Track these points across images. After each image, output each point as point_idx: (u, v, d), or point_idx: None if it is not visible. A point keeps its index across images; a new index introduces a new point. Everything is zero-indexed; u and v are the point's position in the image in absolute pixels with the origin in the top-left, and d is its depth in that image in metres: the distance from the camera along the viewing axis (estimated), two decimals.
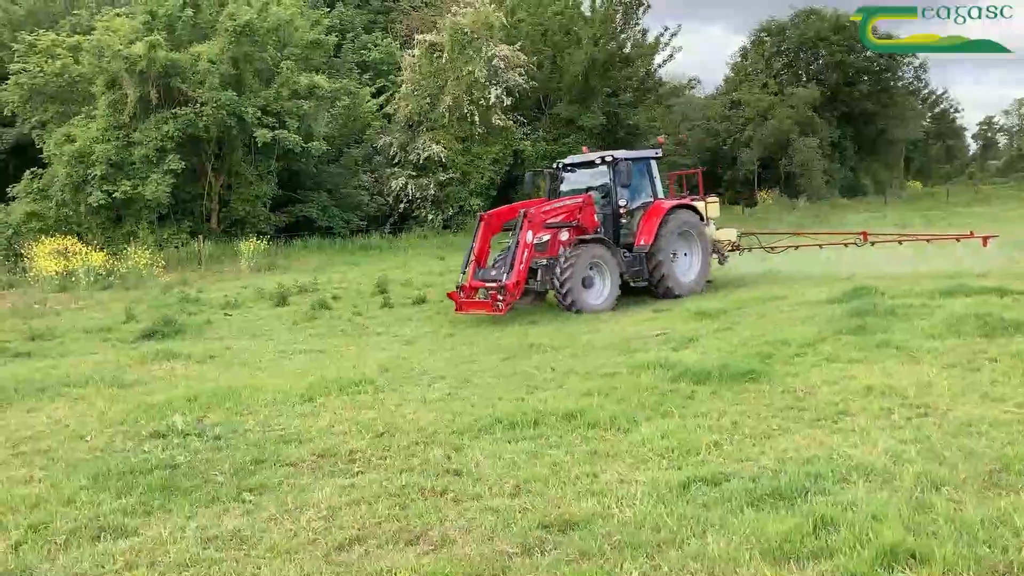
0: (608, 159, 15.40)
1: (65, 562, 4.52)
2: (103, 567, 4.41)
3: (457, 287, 14.70)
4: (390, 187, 34.23)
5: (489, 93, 33.94)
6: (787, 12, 58.37)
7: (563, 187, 16.31)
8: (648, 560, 4.12)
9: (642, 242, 15.15)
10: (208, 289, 21.01)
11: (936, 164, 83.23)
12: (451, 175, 34.58)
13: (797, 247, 18.12)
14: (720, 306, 12.79)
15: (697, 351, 9.61)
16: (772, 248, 18.03)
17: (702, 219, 16.29)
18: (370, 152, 35.30)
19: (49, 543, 4.79)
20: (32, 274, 22.58)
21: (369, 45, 39.94)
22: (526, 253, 14.09)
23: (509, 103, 34.77)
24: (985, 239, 15.80)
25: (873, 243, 17.27)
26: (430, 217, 34.54)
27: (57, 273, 22.08)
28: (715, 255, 16.93)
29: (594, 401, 7.37)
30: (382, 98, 35.98)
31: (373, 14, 44.14)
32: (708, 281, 16.28)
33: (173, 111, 26.76)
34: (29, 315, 17.38)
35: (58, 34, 29.69)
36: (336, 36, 35.32)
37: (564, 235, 14.73)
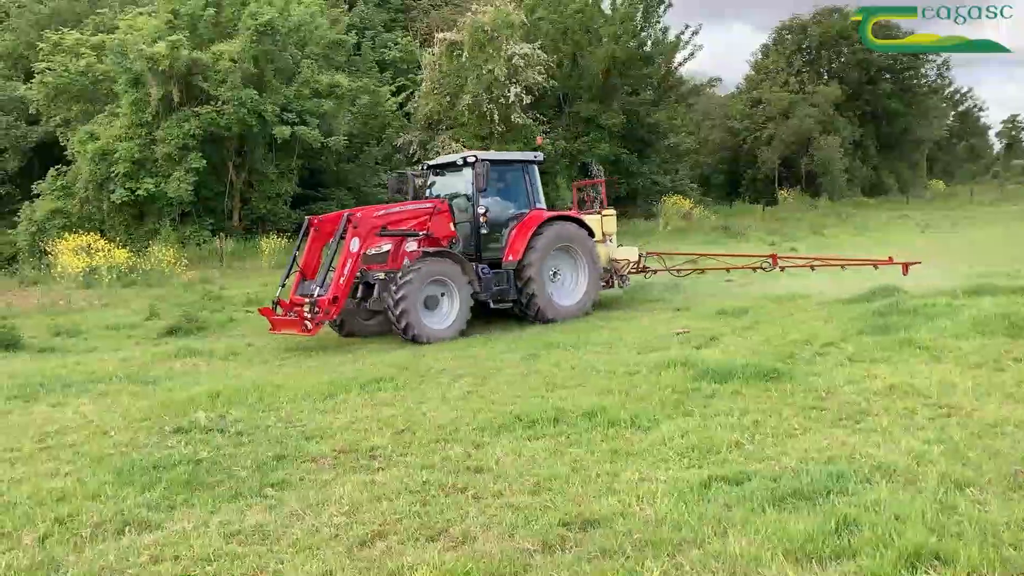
0: (470, 160, 13.53)
1: (91, 555, 4.56)
2: (128, 560, 4.45)
3: (273, 302, 12.61)
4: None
5: (509, 91, 33.89)
6: (809, 10, 58.02)
7: (433, 192, 14.53)
8: (669, 559, 4.11)
9: (510, 258, 13.35)
10: (230, 286, 21.16)
11: (960, 163, 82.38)
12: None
13: (703, 271, 16.44)
14: (742, 305, 12.73)
15: (719, 350, 9.59)
16: (678, 271, 16.27)
17: (590, 234, 14.40)
18: (390, 151, 35.39)
19: (75, 536, 4.84)
20: (56, 271, 22.82)
21: (389, 44, 40.05)
22: (349, 264, 12.08)
23: (528, 101, 34.71)
24: (906, 266, 13.89)
25: (783, 268, 15.53)
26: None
27: (81, 270, 22.30)
28: (616, 277, 15.26)
29: (614, 399, 7.37)
30: (401, 96, 36.06)
31: (393, 13, 44.25)
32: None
33: (195, 109, 26.94)
34: (54, 311, 17.58)
35: (82, 33, 29.98)
36: (356, 35, 35.44)
37: (411, 245, 12.95)
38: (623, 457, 5.80)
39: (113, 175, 26.69)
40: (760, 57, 59.24)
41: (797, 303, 12.99)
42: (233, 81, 26.66)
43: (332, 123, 29.80)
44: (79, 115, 29.04)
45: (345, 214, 12.68)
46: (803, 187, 50.82)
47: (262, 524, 4.89)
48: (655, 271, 16.02)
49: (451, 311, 12.69)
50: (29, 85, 30.14)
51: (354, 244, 12.18)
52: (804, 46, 56.83)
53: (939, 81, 63.68)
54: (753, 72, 59.18)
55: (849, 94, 53.92)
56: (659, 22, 40.94)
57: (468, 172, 13.53)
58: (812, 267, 15.39)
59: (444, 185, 14.41)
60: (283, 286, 12.99)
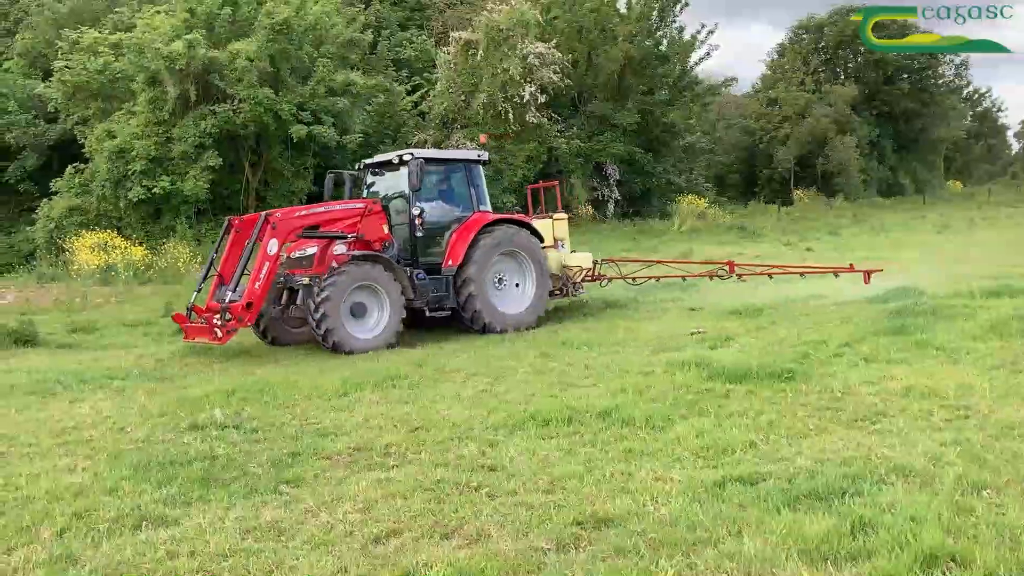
0: (406, 157, 12.72)
1: (108, 550, 4.60)
2: (145, 555, 4.48)
3: (188, 308, 11.76)
4: None
5: (523, 91, 33.91)
6: (826, 9, 57.75)
7: (373, 192, 13.70)
8: (684, 558, 4.10)
9: (449, 262, 12.62)
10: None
11: (977, 163, 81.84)
12: (485, 173, 34.58)
13: (659, 279, 15.68)
14: (757, 305, 12.67)
15: (733, 350, 9.56)
16: (633, 279, 15.53)
17: (540, 239, 13.60)
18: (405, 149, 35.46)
19: (93, 531, 4.87)
20: (74, 268, 22.98)
21: (404, 42, 40.10)
22: (266, 268, 11.39)
23: (543, 100, 34.71)
24: (867, 273, 13.44)
25: (740, 276, 14.86)
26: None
27: (98, 267, 22.45)
28: (569, 284, 14.36)
29: (628, 399, 7.36)
30: (417, 95, 36.10)
31: (408, 11, 44.29)
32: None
33: (212, 108, 27.05)
34: (71, 308, 17.71)
35: (100, 32, 30.13)
36: (372, 33, 35.49)
37: (340, 248, 12.19)
38: (637, 457, 5.80)
39: (130, 173, 26.83)
40: (776, 57, 59.07)
41: (813, 304, 12.92)
42: (249, 80, 26.76)
43: (347, 122, 29.86)
44: (97, 113, 29.21)
45: (263, 214, 11.93)
46: (819, 187, 50.61)
47: (277, 521, 4.91)
48: (610, 279, 15.28)
49: (381, 320, 11.91)
50: (48, 83, 30.34)
51: (272, 246, 11.47)
52: (820, 45, 56.62)
53: (957, 81, 63.32)
54: (769, 71, 59.01)
55: (866, 94, 53.69)
56: (675, 21, 40.87)
57: (406, 171, 12.66)
58: (770, 275, 14.74)
59: (384, 185, 13.62)
60: (199, 290, 12.17)
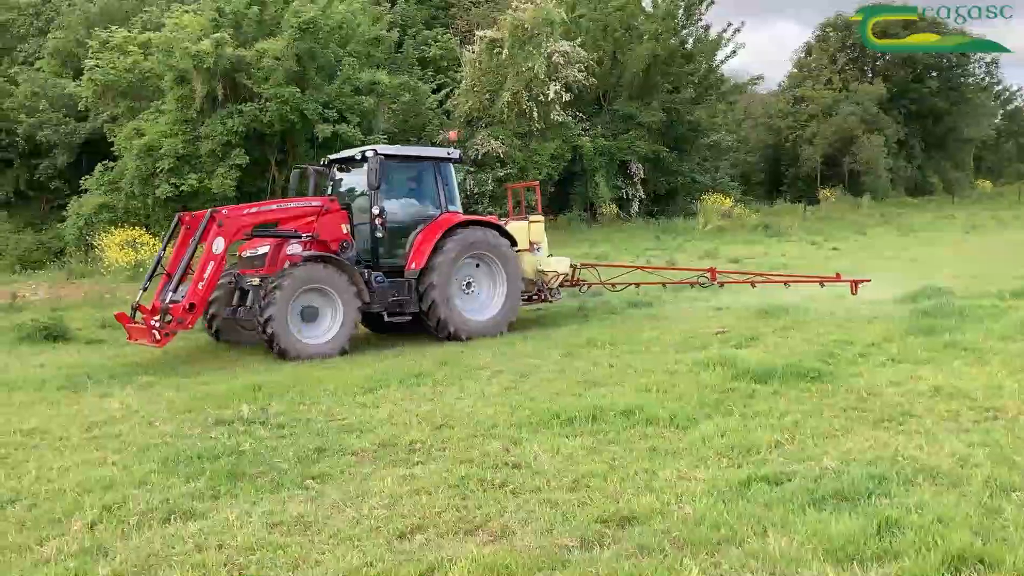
0: (368, 153, 12.12)
1: (138, 542, 4.66)
2: (174, 548, 4.54)
3: (133, 307, 11.35)
4: None
5: (548, 89, 33.90)
6: (854, 7, 57.15)
7: (339, 189, 13.08)
8: (708, 557, 4.10)
9: (413, 265, 12.00)
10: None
11: (1008, 162, 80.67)
12: (509, 171, 34.65)
13: (639, 284, 15.19)
14: (783, 304, 12.59)
15: (759, 349, 9.52)
16: (612, 285, 14.91)
17: (512, 242, 12.93)
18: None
19: (123, 523, 4.95)
20: (103, 264, 23.25)
21: (429, 41, 40.21)
22: (211, 267, 10.90)
23: (568, 99, 34.68)
24: (855, 284, 12.95)
25: (721, 284, 14.41)
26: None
27: (127, 263, 22.70)
28: (546, 290, 13.71)
29: (653, 398, 7.36)
30: (441, 94, 36.18)
31: (434, 10, 44.39)
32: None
33: (239, 106, 27.26)
34: (100, 304, 17.92)
35: (130, 31, 30.46)
36: (397, 32, 35.61)
37: (295, 248, 11.70)
38: (661, 455, 5.80)
39: (158, 171, 27.10)
40: (803, 55, 58.56)
41: (839, 303, 12.82)
42: (276, 79, 26.94)
43: (372, 121, 29.98)
44: (126, 111, 29.53)
45: (209, 210, 11.46)
46: (845, 186, 50.10)
47: (303, 515, 4.96)
48: (589, 284, 14.71)
49: (333, 324, 11.35)
50: (78, 82, 30.72)
51: (218, 245, 10.97)
52: (848, 43, 56.03)
53: (987, 79, 62.46)
54: (796, 70, 58.52)
55: (894, 92, 53.05)
56: (701, 19, 40.70)
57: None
58: (752, 284, 14.30)
59: (349, 182, 13.06)
60: (145, 289, 11.65)
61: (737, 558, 4.07)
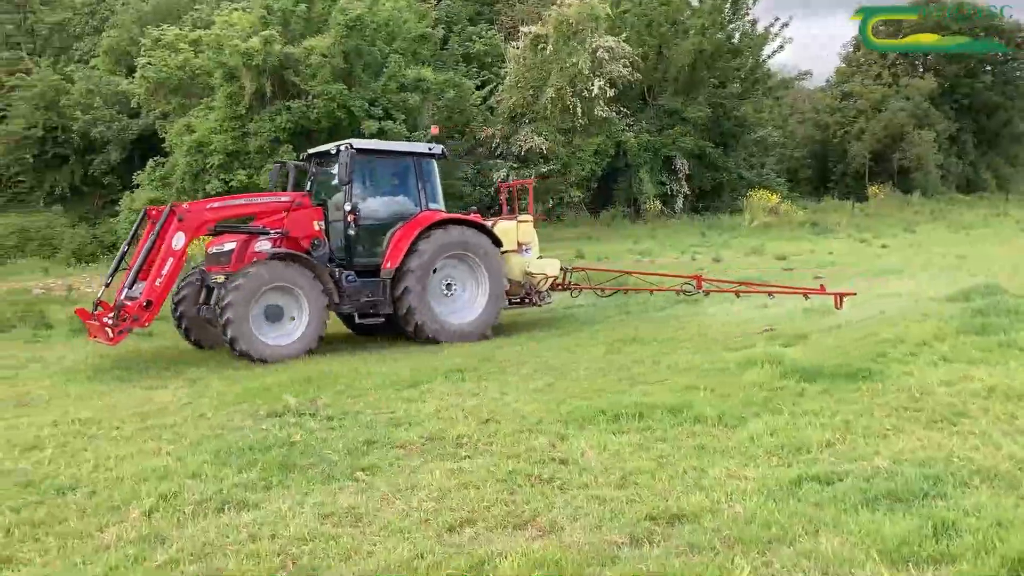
0: (343, 147, 11.68)
1: (193, 531, 4.76)
2: (228, 537, 4.63)
3: (95, 303, 11.11)
4: (491, 178, 34.51)
5: (592, 85, 33.81)
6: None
7: (318, 184, 12.64)
8: (759, 556, 4.07)
9: (388, 264, 11.57)
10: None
11: None
12: (552, 167, 34.62)
13: (627, 291, 14.62)
14: (830, 303, 12.42)
15: (807, 348, 9.40)
16: (603, 290, 14.26)
17: (495, 242, 12.50)
18: (473, 144, 35.67)
19: (178, 512, 5.05)
20: None
21: (474, 37, 40.33)
22: (170, 264, 10.53)
23: (612, 94, 34.56)
24: (839, 297, 12.12)
25: (707, 292, 13.83)
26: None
27: None
28: (535, 293, 13.18)
29: (700, 396, 7.30)
30: (486, 90, 36.27)
31: (479, 5, 44.50)
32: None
33: (287, 103, 27.63)
34: None
35: (181, 29, 31.03)
36: (443, 28, 35.76)
37: (264, 245, 11.30)
38: (710, 454, 5.76)
39: (208, 166, 27.58)
40: (851, 49, 57.60)
41: (890, 302, 12.61)
42: (323, 76, 27.24)
43: (417, 118, 30.17)
44: (177, 108, 30.09)
45: (169, 204, 11.12)
46: (895, 183, 49.23)
47: (354, 506, 5.02)
48: (581, 288, 14.08)
49: (299, 325, 10.99)
50: (131, 80, 31.37)
51: (178, 240, 10.59)
52: (899, 37, 55.00)
53: None
54: (844, 64, 57.59)
55: (945, 87, 51.99)
56: (748, 14, 40.27)
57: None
58: (737, 294, 13.72)
59: (327, 178, 12.53)
60: (107, 285, 11.28)
61: (789, 557, 4.03)
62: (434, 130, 13.98)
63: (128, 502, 5.26)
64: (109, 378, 9.79)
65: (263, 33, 26.75)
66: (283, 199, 11.85)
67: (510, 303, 13.07)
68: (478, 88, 35.89)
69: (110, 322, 10.30)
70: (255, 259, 11.03)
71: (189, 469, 5.87)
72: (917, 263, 19.26)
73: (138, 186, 29.89)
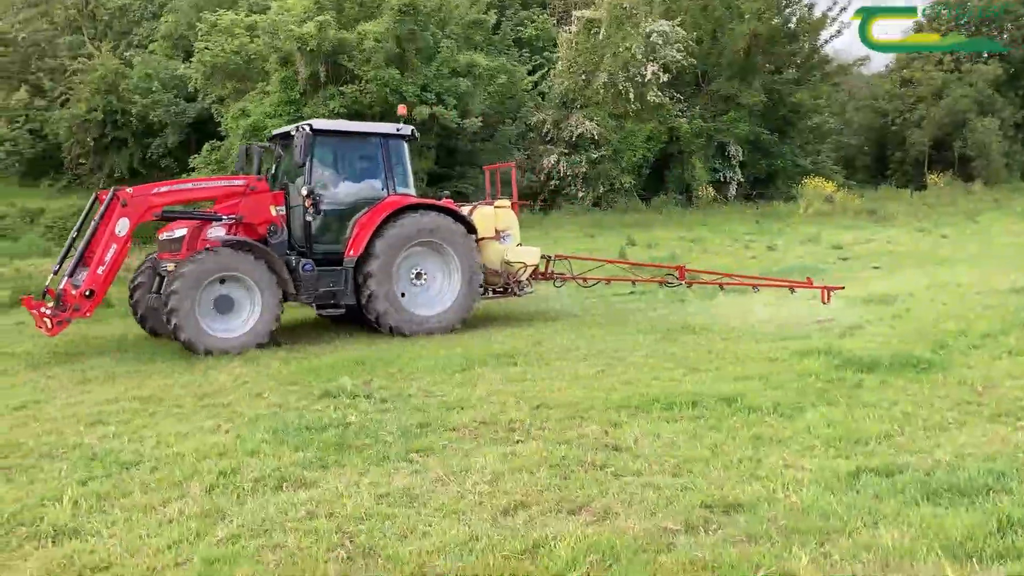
0: (304, 128, 11.05)
1: (253, 507, 4.85)
2: (287, 514, 4.71)
3: (43, 291, 10.73)
4: (542, 164, 34.41)
5: (645, 70, 33.49)
6: None
7: (284, 169, 11.96)
8: (818, 547, 4.02)
9: (351, 252, 11.06)
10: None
11: None
12: (603, 152, 34.40)
13: (609, 281, 13.92)
14: (890, 293, 12.19)
15: (864, 339, 9.24)
16: (584, 280, 13.44)
17: (469, 229, 11.89)
18: (523, 129, 35.60)
19: (238, 489, 5.15)
20: None
21: (526, 21, 40.18)
22: (113, 251, 10.07)
23: (666, 80, 34.20)
24: (827, 291, 11.61)
25: (690, 284, 13.14)
26: (580, 195, 34.48)
27: None
28: (513, 283, 12.37)
29: (754, 385, 7.24)
30: (537, 75, 36.14)
31: None
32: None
33: (340, 88, 27.83)
34: None
35: (237, 14, 31.41)
36: (495, 13, 35.69)
37: (218, 231, 10.75)
38: (766, 443, 5.70)
39: None
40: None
41: (952, 291, 12.34)
42: (376, 60, 27.38)
43: (469, 103, 30.20)
44: (232, 92, 30.51)
45: (112, 188, 10.60)
46: (955, 171, 47.97)
47: (409, 487, 5.07)
48: (564, 277, 13.23)
49: (251, 316, 10.45)
50: (188, 64, 31.87)
51: (121, 226, 10.17)
52: (963, 22, 53.44)
53: None
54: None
55: (1011, 73, 50.40)
56: None
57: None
58: (721, 286, 13.15)
59: (288, 161, 11.72)
60: (56, 272, 10.75)
61: (848, 548, 3.98)
62: (401, 109, 13.02)
63: (189, 478, 5.38)
64: (167, 359, 9.93)
65: (318, 18, 26.96)
66: (237, 183, 11.30)
67: (490, 293, 12.49)
68: (530, 73, 35.77)
69: (50, 312, 9.96)
70: (204, 247, 10.51)
71: (247, 447, 5.98)
72: (979, 253, 18.78)
73: (194, 169, 30.40)
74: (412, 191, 12.03)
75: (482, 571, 3.91)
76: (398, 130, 11.92)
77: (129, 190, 10.52)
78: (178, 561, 4.19)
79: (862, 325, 10.21)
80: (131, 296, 11.70)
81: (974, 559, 3.83)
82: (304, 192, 11.03)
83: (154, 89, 35.02)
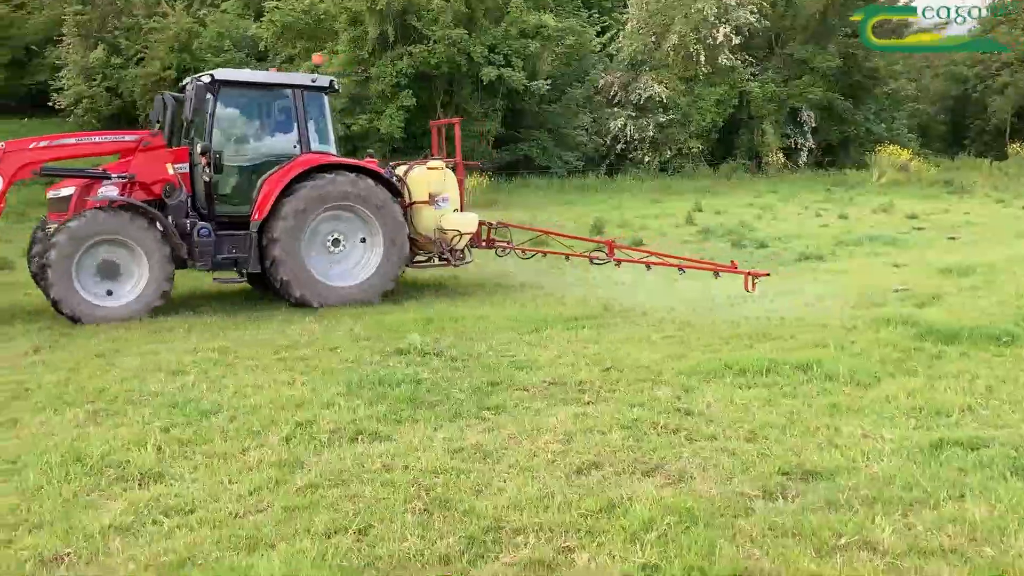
0: (204, 79, 10.28)
1: (329, 457, 4.95)
2: (363, 465, 4.79)
3: None
4: (608, 127, 34.01)
5: (717, 31, 32.78)
6: None
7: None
8: (901, 518, 3.94)
9: (257, 216, 10.21)
10: None
11: None
12: (671, 116, 33.87)
13: (546, 254, 12.95)
14: (970, 263, 11.82)
15: (943, 309, 8.99)
16: (524, 251, 12.41)
17: (394, 193, 11.01)
18: (591, 92, 35.19)
19: (314, 440, 5.25)
20: None
21: None
22: None
23: (737, 42, 33.43)
24: (750, 277, 10.64)
25: (619, 262, 12.22)
26: (647, 159, 34.06)
27: None
28: (448, 251, 11.38)
29: (830, 353, 7.10)
30: (605, 37, 35.63)
31: None
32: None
33: (408, 48, 27.83)
34: None
35: None
36: None
37: (110, 190, 9.83)
38: (843, 412, 5.60)
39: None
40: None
41: None
42: (444, 21, 27.28)
43: (536, 64, 29.94)
44: (302, 52, 30.74)
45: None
46: None
47: (482, 444, 5.11)
48: (505, 246, 12.38)
49: (138, 283, 9.69)
50: (259, 24, 32.16)
51: None
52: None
53: None
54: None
55: None
56: None
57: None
58: (648, 265, 12.19)
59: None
60: None
61: (933, 521, 3.89)
62: (316, 59, 11.87)
63: (267, 428, 5.50)
64: (247, 319, 10.01)
65: None
66: (128, 138, 10.54)
67: (435, 261, 11.76)
68: (598, 35, 35.27)
69: None
70: (85, 208, 9.74)
71: (323, 399, 6.08)
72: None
73: None
74: (332, 149, 11.23)
75: (559, 527, 3.93)
76: (314, 81, 11.01)
77: (2, 144, 9.76)
78: (259, 508, 4.29)
79: (940, 295, 9.93)
80: (30, 263, 10.76)
81: None
82: (199, 150, 10.23)
83: (226, 48, 35.43)
